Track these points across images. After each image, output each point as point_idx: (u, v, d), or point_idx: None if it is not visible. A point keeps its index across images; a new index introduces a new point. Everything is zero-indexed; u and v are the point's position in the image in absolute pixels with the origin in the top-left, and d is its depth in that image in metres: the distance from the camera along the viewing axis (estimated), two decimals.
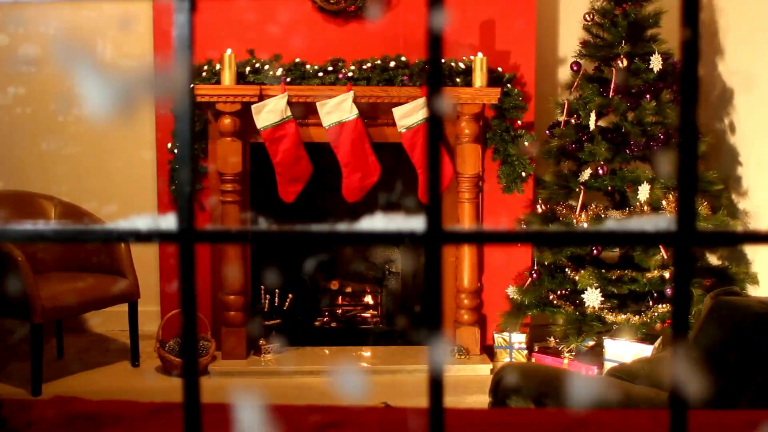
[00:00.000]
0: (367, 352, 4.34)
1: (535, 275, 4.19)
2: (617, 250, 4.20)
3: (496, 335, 4.33)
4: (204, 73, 4.15)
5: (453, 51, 4.25)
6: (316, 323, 4.61)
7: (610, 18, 4.15)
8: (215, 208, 4.27)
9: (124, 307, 4.15)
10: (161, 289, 4.44)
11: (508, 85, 4.28)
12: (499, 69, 4.31)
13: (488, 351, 4.36)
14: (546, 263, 4.20)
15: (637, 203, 3.96)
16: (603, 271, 3.98)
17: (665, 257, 3.86)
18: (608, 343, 3.91)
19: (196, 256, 0.44)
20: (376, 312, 4.68)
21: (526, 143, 4.32)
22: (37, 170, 4.64)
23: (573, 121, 4.23)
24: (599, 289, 3.90)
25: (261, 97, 4.09)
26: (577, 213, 4.08)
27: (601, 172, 4.02)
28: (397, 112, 4.11)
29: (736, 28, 4.23)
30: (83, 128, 4.66)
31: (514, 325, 4.28)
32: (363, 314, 4.69)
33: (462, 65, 4.21)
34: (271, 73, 4.14)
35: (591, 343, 4.05)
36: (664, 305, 3.90)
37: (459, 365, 4.16)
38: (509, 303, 4.32)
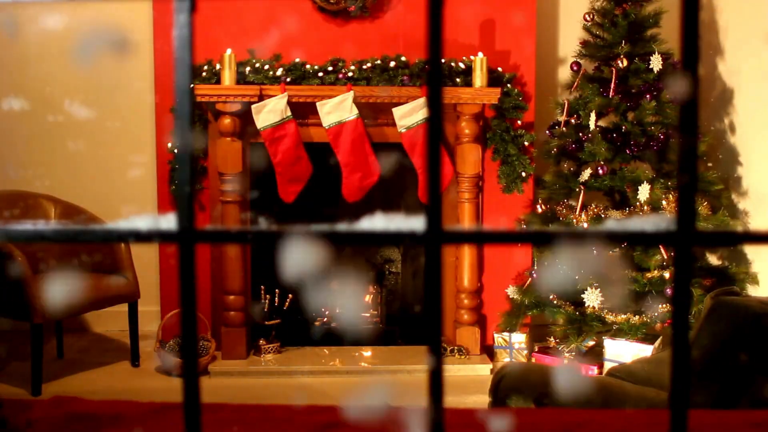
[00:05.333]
0: (367, 352, 4.34)
1: (535, 275, 4.19)
2: (617, 250, 4.20)
3: (496, 335, 4.33)
4: (204, 73, 4.15)
5: (453, 51, 4.25)
6: (316, 323, 4.61)
7: (610, 18, 4.15)
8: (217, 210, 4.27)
9: (124, 307, 4.15)
10: (161, 289, 4.44)
11: (508, 85, 4.28)
12: (499, 69, 4.31)
13: (488, 351, 4.36)
14: (546, 263, 4.20)
15: (637, 203, 3.96)
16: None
17: (665, 257, 3.86)
18: (608, 343, 3.91)
19: (196, 256, 0.44)
20: (376, 312, 4.68)
21: (526, 143, 4.33)
22: (37, 170, 4.64)
23: (573, 121, 4.23)
24: (599, 289, 3.90)
25: (261, 97, 4.09)
26: (577, 213, 4.08)
27: (601, 172, 4.02)
28: (397, 112, 4.11)
29: (736, 28, 4.23)
30: (83, 128, 4.66)
31: (514, 325, 4.28)
32: (363, 314, 4.69)
33: (462, 65, 4.21)
34: (271, 73, 4.14)
35: (591, 343, 4.05)
36: (664, 305, 3.90)
37: (459, 365, 4.16)
38: (509, 303, 4.32)
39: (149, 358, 4.21)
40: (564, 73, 4.55)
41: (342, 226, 0.43)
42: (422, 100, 4.12)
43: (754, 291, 3.96)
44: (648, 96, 4.01)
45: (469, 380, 3.98)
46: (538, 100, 4.43)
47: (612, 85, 4.10)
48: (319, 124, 4.15)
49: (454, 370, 4.10)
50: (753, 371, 1.94)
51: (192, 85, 0.42)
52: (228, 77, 4.05)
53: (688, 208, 0.42)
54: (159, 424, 1.07)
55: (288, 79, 4.14)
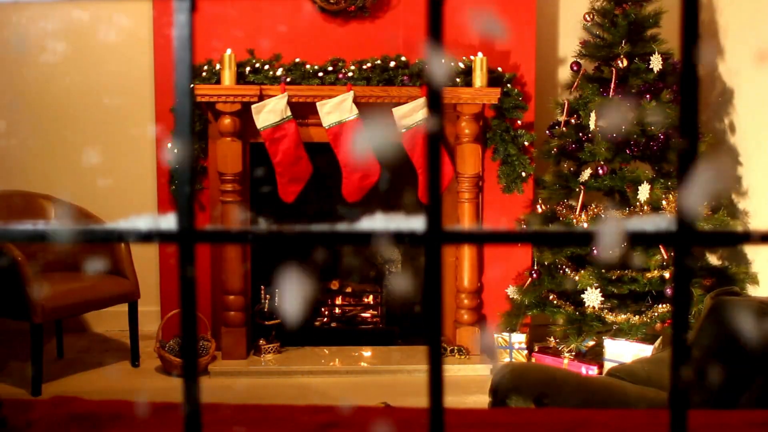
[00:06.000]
0: (367, 352, 4.34)
1: (535, 275, 4.19)
2: (617, 250, 4.20)
3: (496, 335, 4.33)
4: (204, 73, 4.15)
5: (453, 51, 4.25)
6: (316, 323, 4.61)
7: (610, 18, 4.15)
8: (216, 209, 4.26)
9: (124, 307, 4.15)
10: (161, 289, 4.44)
11: (508, 85, 4.28)
12: (499, 69, 4.31)
13: (488, 351, 4.36)
14: (546, 263, 4.20)
15: (637, 203, 3.96)
16: (603, 271, 3.98)
17: (665, 257, 3.86)
18: (608, 343, 3.91)
19: (196, 256, 0.44)
20: (376, 312, 4.68)
21: (526, 143, 4.33)
22: (37, 170, 4.64)
23: (573, 121, 4.23)
24: (599, 289, 3.90)
25: (261, 97, 4.09)
26: (577, 213, 4.08)
27: (601, 172, 4.02)
28: (397, 112, 4.11)
29: (735, 28, 4.23)
30: (84, 128, 4.66)
31: (514, 325, 4.28)
32: (363, 314, 4.69)
33: (462, 65, 4.21)
34: (271, 73, 4.14)
35: (591, 343, 4.05)
36: (664, 305, 3.90)
37: (459, 365, 4.16)
38: (509, 303, 4.32)
39: (149, 358, 4.21)
40: (564, 73, 4.55)
41: (342, 226, 0.43)
42: (422, 100, 4.12)
43: (754, 291, 3.96)
44: (648, 96, 4.01)
45: (469, 380, 3.98)
46: (538, 100, 4.42)
47: (612, 85, 4.10)
48: (319, 124, 4.15)
49: (454, 370, 4.10)
50: (753, 371, 1.94)
51: (192, 85, 0.42)
52: (228, 77, 4.05)
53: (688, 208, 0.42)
54: (159, 424, 1.06)
55: (288, 79, 4.14)
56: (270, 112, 4.08)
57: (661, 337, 3.86)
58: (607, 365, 3.71)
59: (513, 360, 4.26)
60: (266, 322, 4.25)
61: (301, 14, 4.28)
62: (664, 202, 3.89)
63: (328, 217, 4.49)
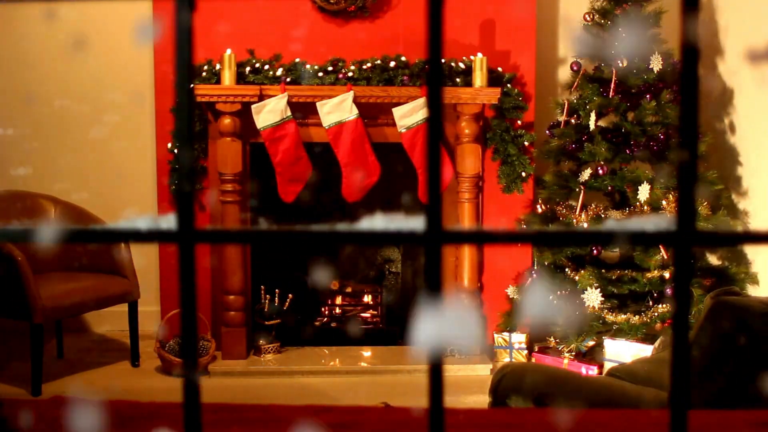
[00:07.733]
0: (367, 352, 4.34)
1: (535, 275, 4.19)
2: (617, 250, 4.20)
3: (496, 335, 4.33)
4: (204, 73, 4.15)
5: (453, 51, 4.25)
6: (316, 323, 4.61)
7: (610, 18, 4.15)
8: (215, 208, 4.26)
9: (124, 307, 4.15)
10: (161, 289, 4.44)
11: (508, 85, 4.28)
12: (499, 69, 4.31)
13: (488, 351, 4.36)
14: (546, 263, 4.20)
15: (637, 203, 3.96)
16: (603, 271, 3.98)
17: (665, 257, 3.86)
18: (608, 343, 3.91)
19: (196, 256, 0.44)
20: (376, 312, 4.68)
21: (526, 143, 4.33)
22: (37, 170, 4.64)
23: (573, 121, 4.23)
24: (599, 289, 3.90)
25: (261, 97, 4.09)
26: (577, 213, 4.08)
27: (601, 172, 4.02)
28: (397, 112, 4.11)
29: (736, 28, 4.23)
30: (84, 128, 4.65)
31: (514, 325, 4.28)
32: (363, 314, 4.69)
33: (462, 65, 4.21)
34: (271, 73, 4.14)
35: (591, 343, 4.05)
36: (664, 305, 3.90)
37: (459, 365, 4.16)
38: (509, 303, 4.32)
39: (149, 358, 4.21)
40: (564, 73, 4.54)
41: (342, 226, 0.43)
42: (422, 100, 4.12)
43: (754, 291, 3.96)
44: (648, 96, 4.01)
45: (469, 380, 3.98)
46: (538, 100, 4.42)
47: (612, 85, 4.10)
48: (319, 124, 4.15)
49: (454, 370, 4.10)
50: (753, 371, 1.94)
51: (192, 85, 0.42)
52: (228, 77, 4.05)
53: (688, 208, 0.42)
54: (159, 424, 1.07)
55: (288, 79, 4.14)
56: (270, 112, 4.08)
57: (661, 337, 3.86)
58: (607, 365, 3.71)
59: (513, 360, 4.26)
60: (266, 322, 4.25)
61: (301, 14, 4.28)
62: (664, 202, 3.89)
63: (328, 217, 4.49)
